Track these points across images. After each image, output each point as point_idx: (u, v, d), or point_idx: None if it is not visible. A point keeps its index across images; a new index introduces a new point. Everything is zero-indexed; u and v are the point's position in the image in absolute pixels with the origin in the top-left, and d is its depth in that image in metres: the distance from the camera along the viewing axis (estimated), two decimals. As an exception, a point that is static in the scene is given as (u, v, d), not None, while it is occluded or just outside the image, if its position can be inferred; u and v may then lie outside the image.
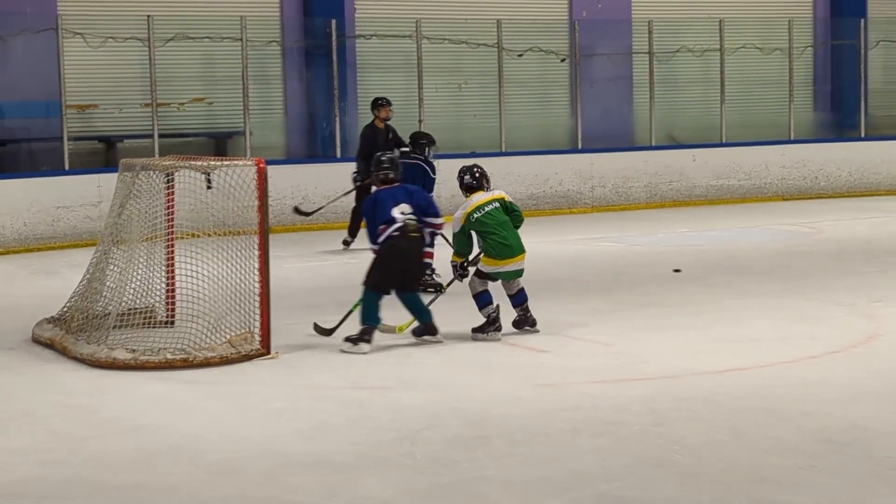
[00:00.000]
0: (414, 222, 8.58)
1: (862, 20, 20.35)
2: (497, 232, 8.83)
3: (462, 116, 18.31)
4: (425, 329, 8.64)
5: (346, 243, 13.99)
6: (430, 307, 8.75)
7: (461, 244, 8.96)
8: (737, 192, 18.96)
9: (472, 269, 8.93)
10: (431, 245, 9.68)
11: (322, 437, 6.49)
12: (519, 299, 8.98)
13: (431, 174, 11.75)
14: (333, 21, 17.06)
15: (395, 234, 8.52)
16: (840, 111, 21.11)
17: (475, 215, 8.88)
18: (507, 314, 8.91)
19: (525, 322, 8.97)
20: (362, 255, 13.50)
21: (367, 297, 8.51)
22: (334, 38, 17.00)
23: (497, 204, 8.96)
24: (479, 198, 8.97)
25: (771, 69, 20.08)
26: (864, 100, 20.46)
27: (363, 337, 8.42)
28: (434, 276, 10.46)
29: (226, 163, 9.00)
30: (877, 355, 8.30)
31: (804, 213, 17.28)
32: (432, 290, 9.78)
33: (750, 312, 9.82)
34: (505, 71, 17.88)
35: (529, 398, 7.27)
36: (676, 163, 18.62)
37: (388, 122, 13.93)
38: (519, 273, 8.93)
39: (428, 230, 8.76)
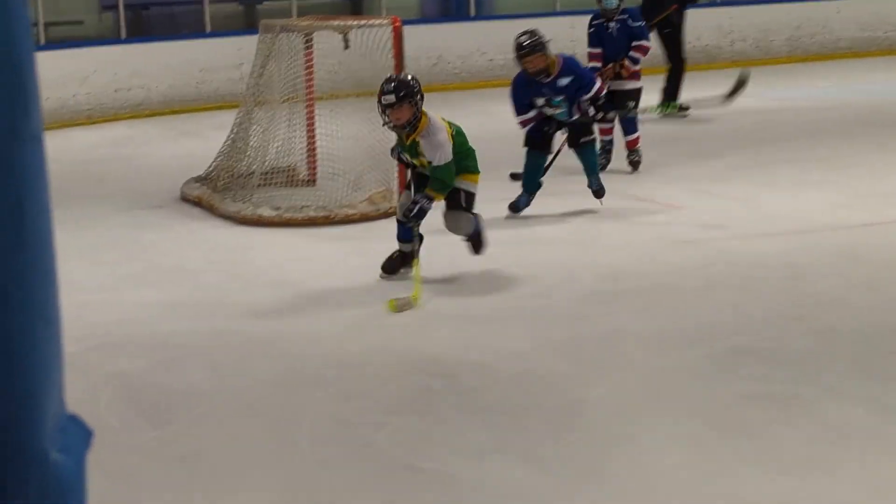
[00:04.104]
0: None
1: None
2: None
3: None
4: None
5: (683, 108, 11.89)
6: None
7: None
8: (883, 43, 18.37)
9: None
10: None
11: (458, 292, 6.64)
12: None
13: None
14: None
15: None
16: None
17: None
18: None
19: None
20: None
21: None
22: None
23: None
24: None
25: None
26: None
27: None
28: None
29: (362, 22, 9.07)
30: None
31: (954, 66, 16.73)
32: None
33: (892, 167, 9.64)
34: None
35: (664, 254, 7.31)
36: (819, 15, 18.07)
37: None
38: None
39: None
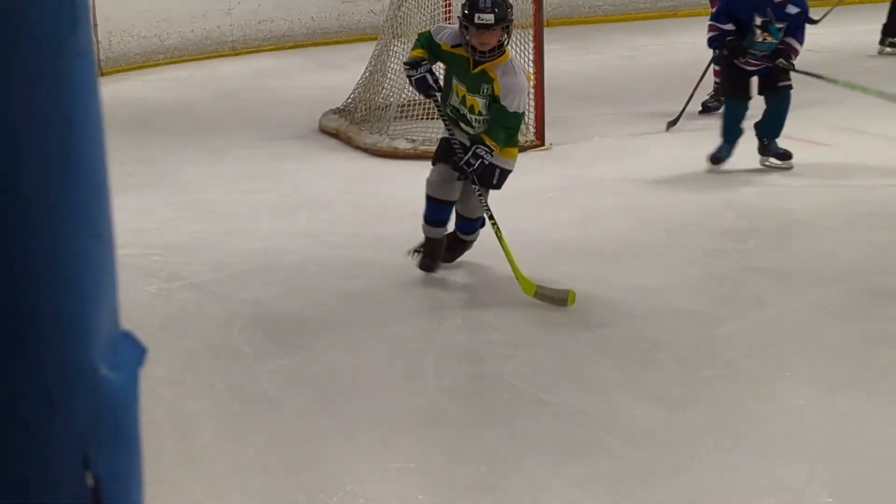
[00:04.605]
0: None
1: None
2: None
3: None
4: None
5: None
6: None
7: None
8: None
9: None
10: None
11: (593, 226, 6.59)
12: None
13: None
14: None
15: None
16: None
17: None
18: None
19: None
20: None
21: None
22: None
23: None
24: None
25: None
26: None
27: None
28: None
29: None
30: None
31: None
32: None
33: None
34: None
35: (804, 192, 7.15)
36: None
37: None
38: None
39: None
